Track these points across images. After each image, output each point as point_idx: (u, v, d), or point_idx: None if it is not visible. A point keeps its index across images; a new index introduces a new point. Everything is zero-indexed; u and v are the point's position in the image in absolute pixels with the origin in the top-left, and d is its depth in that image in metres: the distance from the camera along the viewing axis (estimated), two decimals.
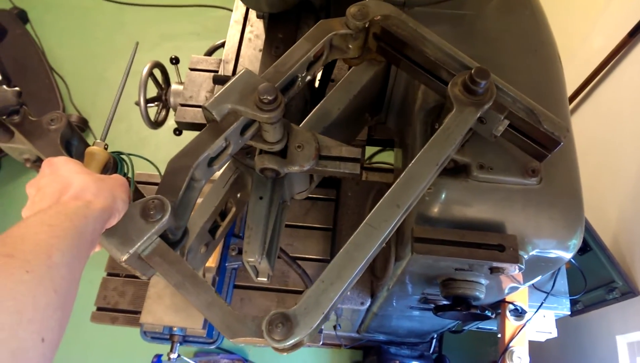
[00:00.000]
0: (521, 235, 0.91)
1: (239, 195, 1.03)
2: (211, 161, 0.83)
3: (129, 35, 3.31)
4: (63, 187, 0.61)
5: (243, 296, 1.44)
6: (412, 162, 0.76)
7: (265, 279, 1.03)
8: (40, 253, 0.51)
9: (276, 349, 0.70)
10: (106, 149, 0.87)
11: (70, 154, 0.91)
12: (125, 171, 1.25)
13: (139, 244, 0.66)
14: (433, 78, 0.87)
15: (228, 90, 0.79)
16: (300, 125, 0.97)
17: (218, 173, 0.99)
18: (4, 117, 0.87)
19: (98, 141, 0.83)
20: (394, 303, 1.46)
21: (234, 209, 1.04)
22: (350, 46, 0.94)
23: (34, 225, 0.54)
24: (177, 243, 0.78)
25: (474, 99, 0.77)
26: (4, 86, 0.87)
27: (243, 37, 1.63)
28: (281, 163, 0.86)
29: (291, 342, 0.65)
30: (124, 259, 0.66)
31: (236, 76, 0.80)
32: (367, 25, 0.89)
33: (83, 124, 2.90)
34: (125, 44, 3.27)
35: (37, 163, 0.94)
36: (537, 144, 0.80)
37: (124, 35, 3.31)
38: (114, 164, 1.18)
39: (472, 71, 0.75)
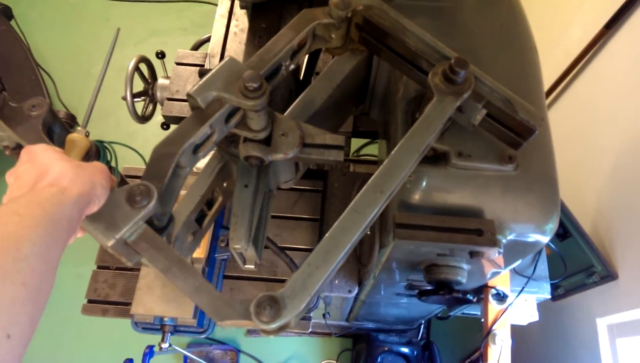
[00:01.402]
0: (499, 220, 0.94)
1: (225, 184, 1.04)
2: (196, 149, 0.83)
3: (115, 30, 3.29)
4: (40, 174, 0.60)
5: (232, 286, 1.47)
6: (395, 149, 0.79)
7: (253, 267, 1.05)
8: (7, 246, 0.49)
9: (263, 331, 0.72)
10: (87, 136, 0.86)
11: (52, 141, 0.90)
12: (109, 159, 1.26)
13: (125, 229, 0.67)
14: (413, 68, 0.89)
15: (213, 77, 0.79)
16: (284, 114, 0.98)
17: (204, 162, 1.01)
18: None
19: (79, 128, 0.81)
20: (381, 291, 1.49)
21: (220, 198, 1.05)
22: (332, 36, 0.96)
23: (4, 216, 0.53)
24: (163, 230, 0.79)
25: (454, 89, 0.79)
26: None
27: (228, 31, 1.64)
28: (265, 151, 0.87)
29: (279, 323, 0.67)
30: (110, 244, 0.67)
31: (220, 64, 0.81)
32: (349, 15, 0.90)
33: (71, 120, 2.87)
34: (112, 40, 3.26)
35: (17, 150, 0.91)
36: (513, 133, 0.83)
37: (111, 31, 3.24)
38: (96, 152, 1.18)
39: (452, 61, 0.78)
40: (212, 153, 1.01)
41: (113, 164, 1.29)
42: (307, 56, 1.43)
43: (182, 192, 0.91)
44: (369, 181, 0.78)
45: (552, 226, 0.98)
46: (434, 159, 0.95)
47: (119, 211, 0.67)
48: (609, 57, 1.65)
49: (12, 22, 3.19)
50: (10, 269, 0.48)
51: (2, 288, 0.46)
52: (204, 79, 0.79)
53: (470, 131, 0.93)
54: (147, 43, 3.19)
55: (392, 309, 1.82)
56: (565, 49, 1.87)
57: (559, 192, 0.97)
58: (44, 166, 0.61)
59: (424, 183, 0.95)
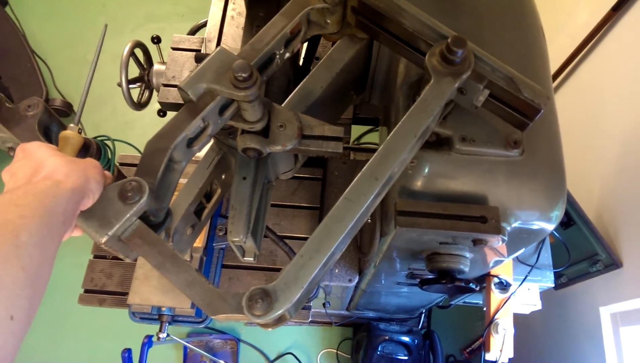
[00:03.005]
0: (503, 207, 0.91)
1: (223, 176, 1.03)
2: (190, 142, 0.82)
3: (111, 17, 3.24)
4: (34, 169, 0.62)
5: (231, 276, 1.45)
6: (390, 134, 0.76)
7: (252, 259, 1.03)
8: (6, 233, 0.51)
9: (260, 324, 0.71)
10: (80, 133, 0.86)
11: (49, 140, 0.91)
12: (109, 157, 1.24)
13: (117, 226, 0.67)
14: (412, 50, 0.86)
15: (203, 69, 0.78)
16: (282, 105, 0.97)
17: (202, 154, 0.99)
18: None
19: (71, 125, 0.81)
20: (382, 280, 1.47)
21: (219, 190, 1.03)
22: (328, 21, 0.93)
23: (2, 205, 0.54)
24: (160, 225, 0.78)
25: (452, 69, 0.76)
26: None
27: (225, 15, 1.60)
28: (263, 143, 0.86)
29: (271, 316, 0.65)
30: (103, 241, 0.67)
31: (211, 55, 0.79)
32: None
33: (67, 108, 2.86)
34: (109, 28, 3.21)
35: None
36: (518, 113, 0.79)
37: (107, 17, 3.24)
38: (97, 150, 1.17)
39: (449, 40, 0.74)
40: (209, 145, 0.99)
41: (113, 160, 1.27)
42: (306, 42, 1.39)
43: (183, 180, 0.90)
44: (364, 168, 0.75)
45: (558, 214, 0.95)
46: (437, 144, 0.92)
47: (112, 208, 0.67)
48: (617, 40, 1.61)
49: (7, 9, 3.15)
50: (10, 254, 0.50)
51: (3, 271, 0.48)
52: (195, 71, 0.77)
53: (475, 116, 0.89)
54: (143, 29, 3.14)
55: (392, 298, 1.81)
56: (570, 33, 1.83)
57: (565, 178, 0.94)
58: (39, 162, 0.63)
59: (426, 169, 0.92)
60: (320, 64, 1.05)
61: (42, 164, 0.62)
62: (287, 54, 0.92)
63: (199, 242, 1.34)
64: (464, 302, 1.70)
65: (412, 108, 0.77)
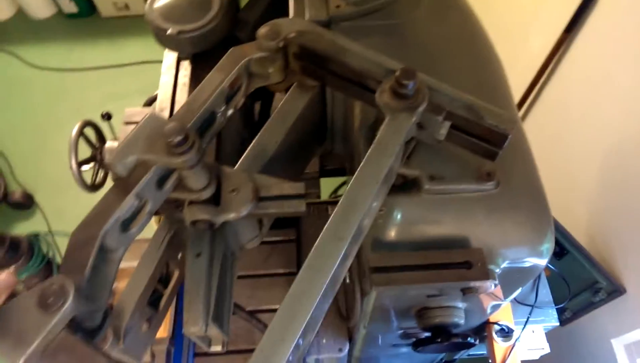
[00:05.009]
0: (488, 247, 0.82)
1: (180, 255, 0.91)
2: (126, 225, 0.71)
3: (71, 101, 3.21)
4: None
5: None
6: (349, 185, 0.68)
7: (220, 348, 0.90)
8: None
9: None
10: None
11: None
12: (45, 252, 1.11)
13: (37, 342, 0.54)
14: (364, 90, 0.79)
15: (131, 139, 0.68)
16: (236, 166, 0.88)
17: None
18: None
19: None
20: (375, 344, 1.34)
21: (177, 272, 0.91)
22: (270, 70, 0.87)
23: None
24: (98, 330, 0.66)
25: (406, 104, 0.69)
26: None
27: (177, 83, 1.55)
28: (214, 212, 0.76)
29: None
30: None
31: (140, 123, 0.70)
32: (282, 45, 0.82)
33: (28, 200, 2.73)
34: (68, 111, 3.17)
35: None
36: (485, 142, 0.72)
37: (67, 103, 3.21)
38: (28, 248, 1.04)
39: (397, 73, 0.68)
40: (148, 224, 0.89)
41: (51, 255, 1.15)
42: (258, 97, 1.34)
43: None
44: (324, 229, 0.66)
45: (549, 246, 0.86)
46: (405, 187, 0.83)
47: (30, 320, 0.55)
48: (575, 60, 1.61)
49: None
50: None
51: None
52: (122, 143, 0.68)
53: (441, 151, 0.82)
54: (104, 109, 3.09)
55: (393, 360, 1.66)
56: (527, 61, 1.83)
57: (549, 205, 0.86)
58: None
59: (398, 216, 0.83)
60: (272, 117, 0.98)
61: None
62: (230, 110, 0.84)
63: (164, 332, 1.19)
64: (469, 355, 1.56)
65: (370, 152, 0.69)
